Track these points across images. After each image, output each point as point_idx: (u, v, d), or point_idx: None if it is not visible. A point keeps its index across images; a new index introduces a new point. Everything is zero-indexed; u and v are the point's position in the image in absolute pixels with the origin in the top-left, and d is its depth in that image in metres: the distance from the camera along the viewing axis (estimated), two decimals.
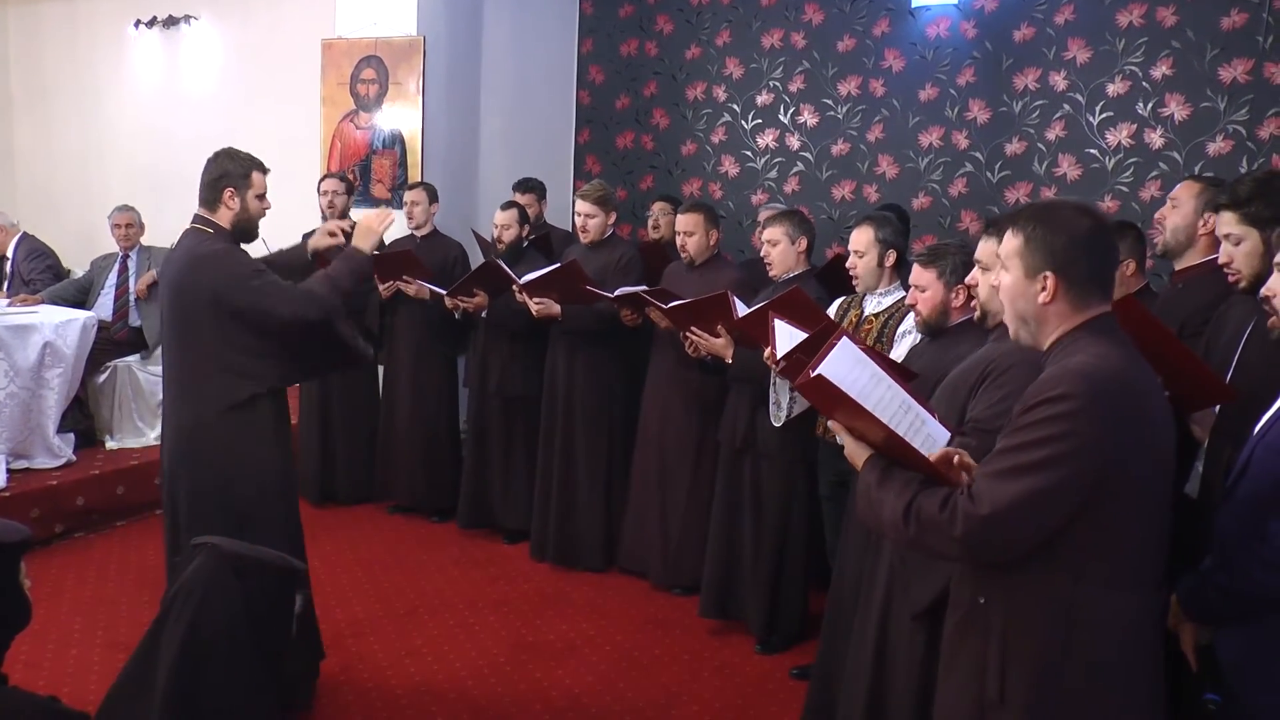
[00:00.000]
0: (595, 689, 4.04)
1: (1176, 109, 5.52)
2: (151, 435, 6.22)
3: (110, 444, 6.12)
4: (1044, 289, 2.02)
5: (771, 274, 4.37)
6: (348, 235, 3.84)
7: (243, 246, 3.57)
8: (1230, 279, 2.88)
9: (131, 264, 6.43)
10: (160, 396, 6.20)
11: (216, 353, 3.42)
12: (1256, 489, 2.23)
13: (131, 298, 6.35)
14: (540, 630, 4.55)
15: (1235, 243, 2.82)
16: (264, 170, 3.58)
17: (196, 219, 3.52)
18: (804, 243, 4.31)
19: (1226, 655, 2.28)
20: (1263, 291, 2.36)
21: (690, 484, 4.89)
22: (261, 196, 3.56)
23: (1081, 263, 2.01)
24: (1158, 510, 1.99)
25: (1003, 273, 2.11)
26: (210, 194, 3.50)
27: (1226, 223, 2.85)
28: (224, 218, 3.51)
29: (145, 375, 6.26)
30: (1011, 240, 2.08)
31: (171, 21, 8.03)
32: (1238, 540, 2.24)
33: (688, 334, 4.42)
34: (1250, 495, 2.24)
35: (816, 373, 1.99)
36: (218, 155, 3.53)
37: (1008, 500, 1.88)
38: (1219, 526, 2.33)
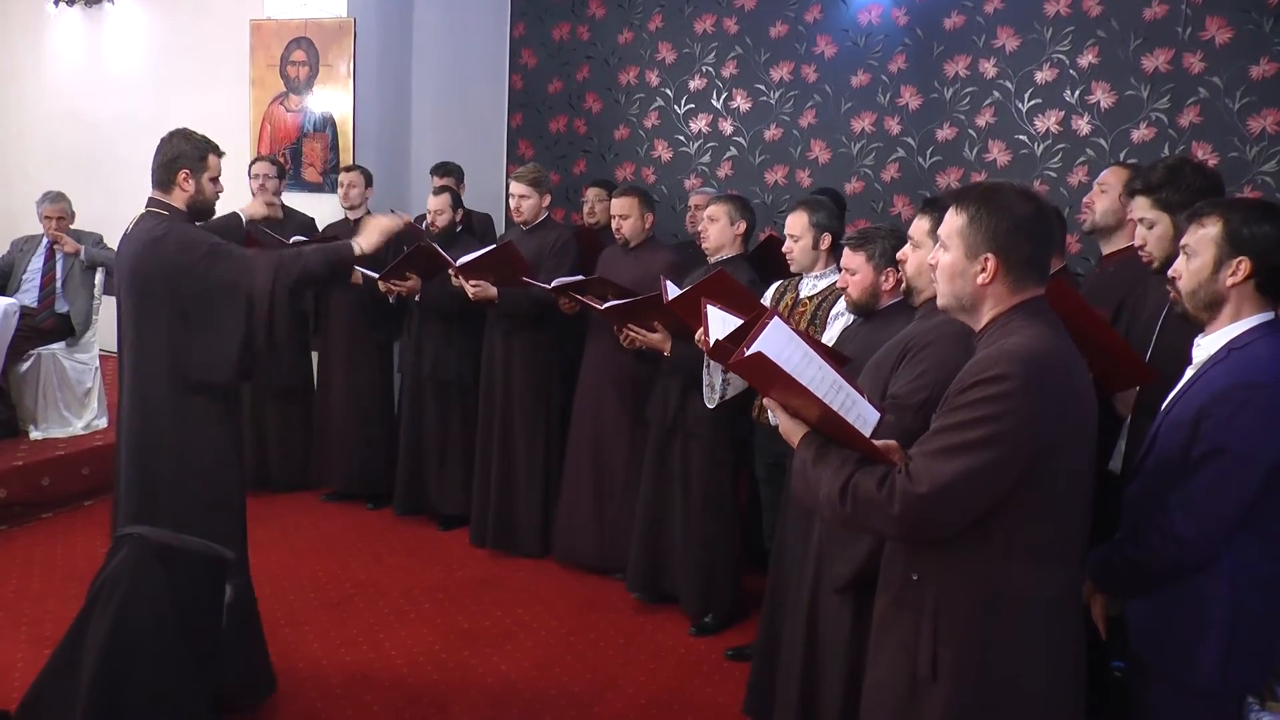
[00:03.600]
0: (531, 675, 4.05)
1: (1102, 96, 5.63)
2: (78, 425, 6.09)
3: (35, 434, 5.97)
4: (984, 270, 2.05)
5: (705, 248, 4.41)
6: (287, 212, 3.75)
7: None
8: (1144, 260, 2.98)
9: (59, 250, 6.27)
10: (88, 385, 6.16)
11: (173, 337, 3.36)
12: (1160, 462, 2.31)
13: (58, 285, 6.19)
14: (475, 617, 4.54)
15: (1148, 226, 2.91)
16: (219, 153, 3.53)
17: (151, 201, 3.46)
18: (742, 226, 4.35)
19: (1134, 624, 2.36)
20: (1169, 273, 2.43)
21: (625, 467, 4.90)
22: (216, 179, 3.51)
23: (1023, 246, 2.03)
24: (1083, 488, 2.04)
25: (941, 251, 2.13)
26: (165, 175, 3.43)
27: (1140, 207, 2.94)
28: (178, 199, 3.45)
29: (71, 363, 6.12)
30: (955, 219, 2.10)
31: (94, 0, 7.83)
32: (1143, 511, 2.32)
33: (624, 329, 4.44)
34: (1155, 468, 2.32)
35: (754, 349, 1.99)
36: (172, 135, 3.47)
37: (945, 479, 1.91)
38: (1128, 499, 2.41)
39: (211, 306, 3.34)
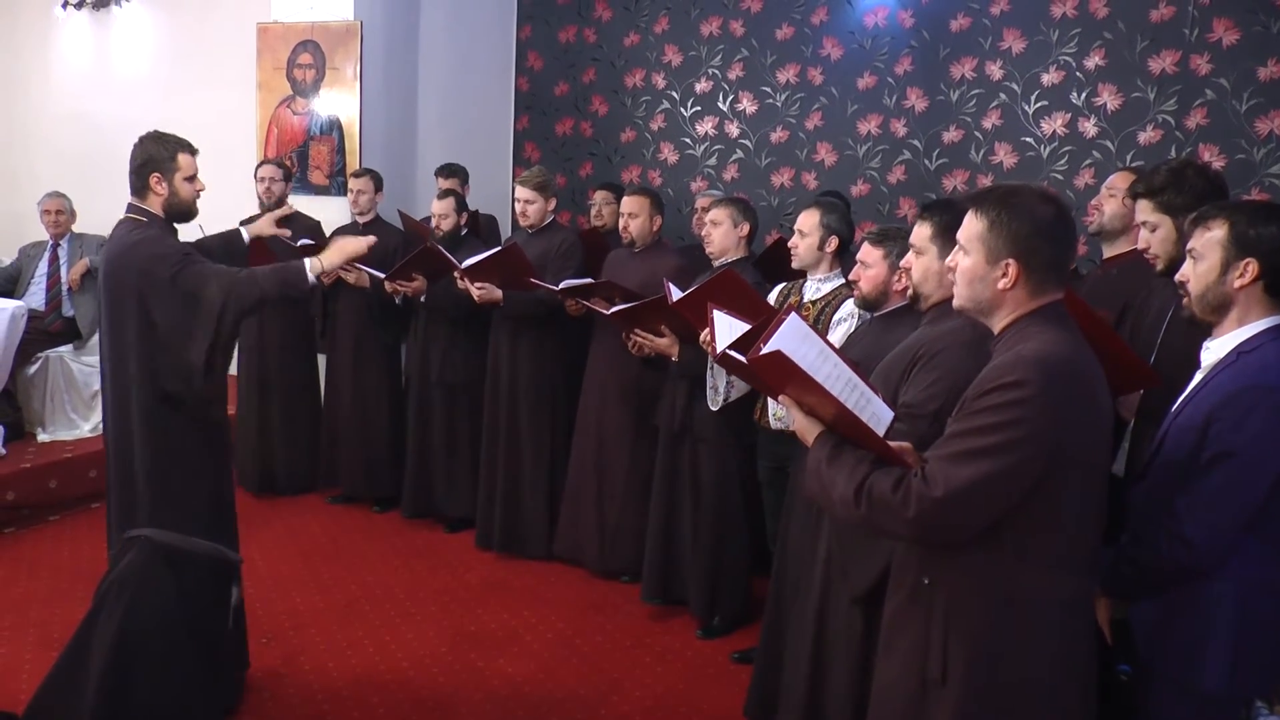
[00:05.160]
0: (537, 677, 4.05)
1: (1109, 99, 5.62)
2: (86, 427, 6.11)
3: (42, 436, 5.99)
4: (1005, 275, 2.03)
5: (710, 251, 4.41)
6: (289, 223, 3.76)
7: (177, 229, 3.53)
8: (1149, 262, 2.98)
9: (62, 253, 6.29)
10: (95, 387, 6.18)
11: (143, 345, 3.36)
12: (1168, 466, 2.30)
13: (64, 287, 6.22)
14: (482, 619, 4.54)
15: (1151, 229, 2.92)
16: (192, 151, 3.50)
17: (129, 207, 3.46)
18: (746, 228, 4.35)
19: (1140, 628, 2.35)
20: (1177, 277, 2.43)
21: (628, 470, 4.90)
22: (192, 178, 3.48)
23: (1044, 250, 2.02)
24: (1097, 493, 2.03)
25: (961, 254, 2.11)
26: (138, 181, 3.44)
27: (1143, 210, 2.95)
28: (154, 204, 3.44)
29: (78, 366, 6.14)
30: (975, 223, 2.08)
31: (101, 3, 7.83)
32: (1149, 515, 2.31)
33: (631, 335, 4.44)
34: (1162, 471, 2.32)
35: (772, 347, 1.99)
36: (142, 140, 3.46)
37: (961, 483, 1.90)
38: (1134, 503, 2.41)
39: (177, 319, 3.33)
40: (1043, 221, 2.02)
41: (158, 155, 3.42)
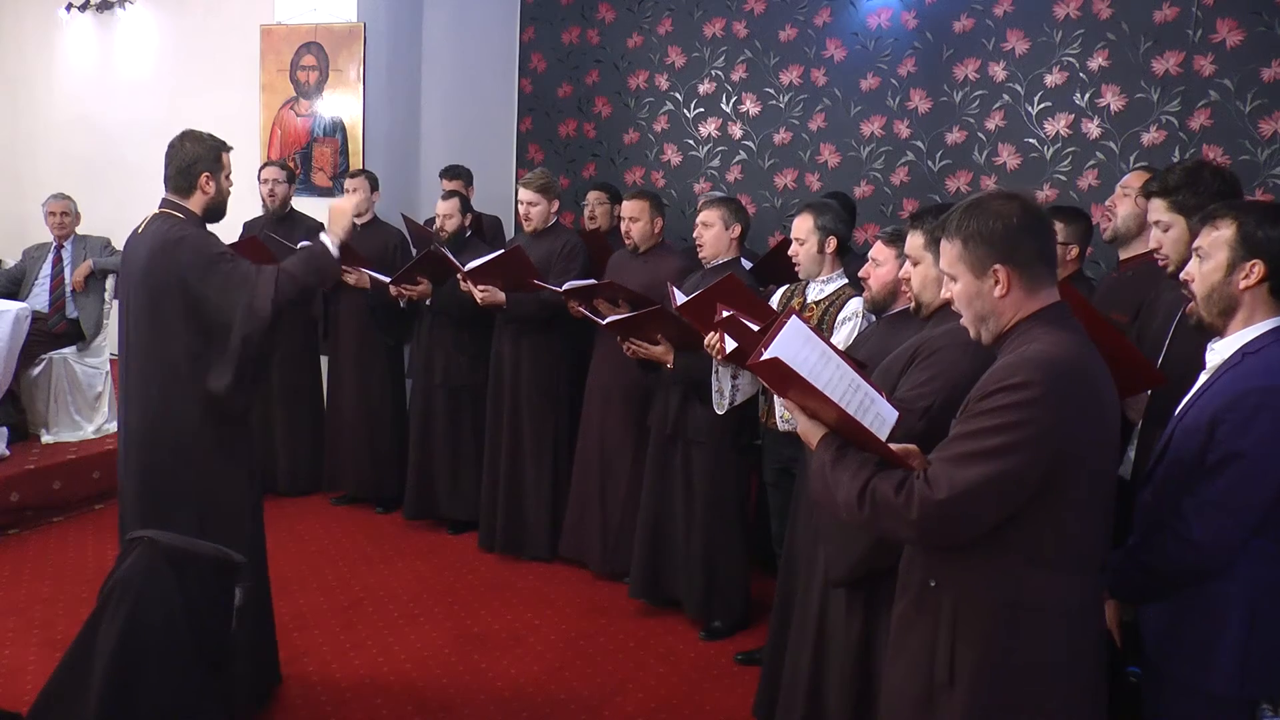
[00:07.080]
0: (540, 678, 4.05)
1: (1112, 99, 5.61)
2: (89, 429, 6.11)
3: (46, 438, 5.99)
4: (997, 282, 2.03)
5: (701, 255, 4.40)
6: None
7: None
8: (1160, 264, 2.96)
9: (66, 255, 6.29)
10: (99, 389, 6.18)
11: (189, 342, 3.36)
12: (1174, 467, 2.29)
13: (68, 289, 6.22)
14: (485, 620, 4.54)
15: (1164, 229, 2.91)
16: (229, 149, 3.54)
17: (165, 203, 3.46)
18: (737, 230, 4.33)
19: (1149, 630, 2.35)
20: (1182, 275, 2.43)
21: (630, 472, 4.89)
22: (229, 175, 3.53)
23: (1025, 245, 2.02)
24: (1104, 495, 2.03)
25: (950, 282, 2.12)
26: (184, 180, 3.44)
27: (1156, 210, 2.93)
28: (197, 203, 3.46)
29: (82, 367, 6.14)
30: (950, 247, 2.08)
31: (105, 6, 7.84)
32: (1157, 518, 2.31)
33: (627, 343, 4.44)
34: (1169, 473, 2.31)
35: (770, 355, 1.99)
36: (183, 139, 3.46)
37: (965, 485, 1.90)
38: (1141, 505, 2.40)
39: (222, 318, 3.34)
40: (1012, 217, 2.03)
41: (205, 155, 3.44)
